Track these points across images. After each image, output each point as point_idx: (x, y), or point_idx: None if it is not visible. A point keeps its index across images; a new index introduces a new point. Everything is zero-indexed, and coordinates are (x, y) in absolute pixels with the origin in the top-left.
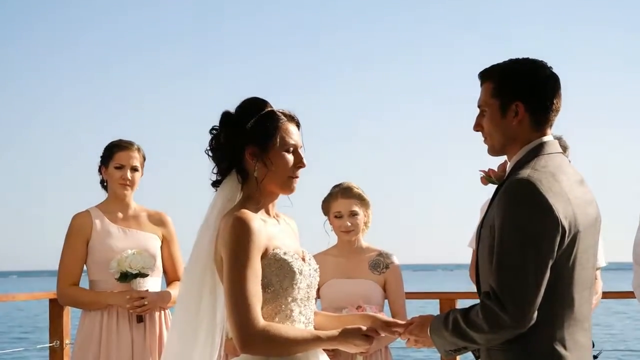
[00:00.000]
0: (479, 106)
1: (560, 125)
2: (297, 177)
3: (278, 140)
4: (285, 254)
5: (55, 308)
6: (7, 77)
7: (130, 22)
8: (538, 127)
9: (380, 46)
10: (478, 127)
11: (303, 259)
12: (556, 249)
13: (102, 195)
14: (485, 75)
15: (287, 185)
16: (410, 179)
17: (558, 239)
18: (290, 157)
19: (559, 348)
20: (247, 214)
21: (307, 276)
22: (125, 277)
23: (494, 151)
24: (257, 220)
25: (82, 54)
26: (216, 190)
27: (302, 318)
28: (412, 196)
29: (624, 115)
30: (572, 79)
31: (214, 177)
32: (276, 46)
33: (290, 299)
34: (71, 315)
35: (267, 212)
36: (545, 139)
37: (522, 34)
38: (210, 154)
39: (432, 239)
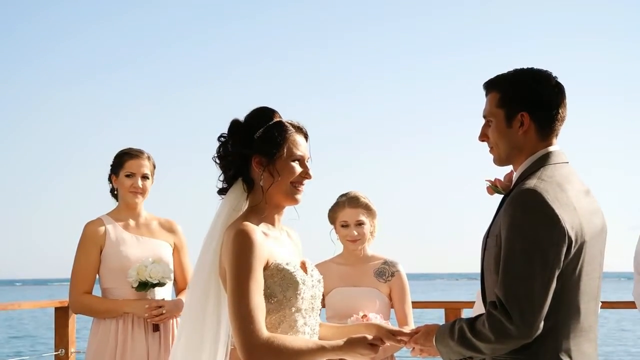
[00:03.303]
0: (484, 116)
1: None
2: (301, 185)
3: (285, 150)
4: (287, 264)
5: (61, 316)
6: (4, 77)
7: (132, 26)
8: (544, 137)
9: (390, 52)
10: (483, 137)
11: (305, 271)
12: (562, 258)
13: (102, 205)
14: (491, 86)
15: (291, 194)
16: (414, 187)
17: (564, 249)
18: (296, 167)
19: (565, 358)
20: (249, 226)
21: (310, 287)
22: (145, 286)
23: (499, 161)
24: (258, 232)
25: (83, 58)
26: (222, 198)
27: (306, 329)
28: (417, 205)
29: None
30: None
31: (220, 185)
32: (281, 51)
33: (294, 309)
34: (77, 324)
35: (272, 224)
36: (551, 148)
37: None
38: (217, 161)
39: (436, 248)
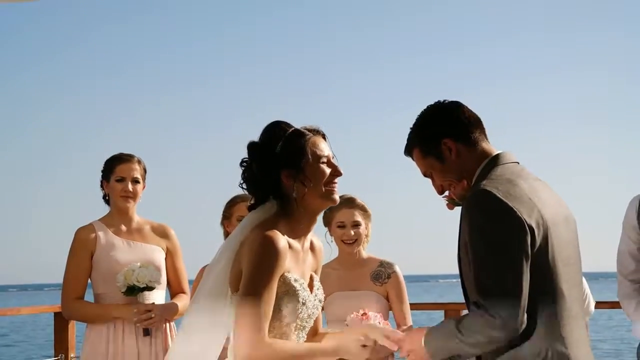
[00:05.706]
0: (424, 175)
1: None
2: (334, 184)
3: (310, 156)
4: (295, 280)
5: (60, 322)
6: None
7: (129, 29)
8: (476, 148)
9: (389, 55)
10: (439, 188)
11: (311, 289)
12: (529, 249)
13: (98, 210)
14: (408, 148)
15: (327, 196)
16: (411, 188)
17: (528, 238)
18: (326, 169)
19: (560, 347)
20: (277, 234)
21: (311, 307)
22: (132, 290)
23: (462, 197)
24: (283, 241)
25: (80, 61)
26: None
27: None
28: (415, 205)
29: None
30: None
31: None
32: (278, 54)
33: (284, 324)
34: (76, 329)
35: (305, 234)
36: (496, 152)
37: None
38: (244, 186)
39: (435, 249)
